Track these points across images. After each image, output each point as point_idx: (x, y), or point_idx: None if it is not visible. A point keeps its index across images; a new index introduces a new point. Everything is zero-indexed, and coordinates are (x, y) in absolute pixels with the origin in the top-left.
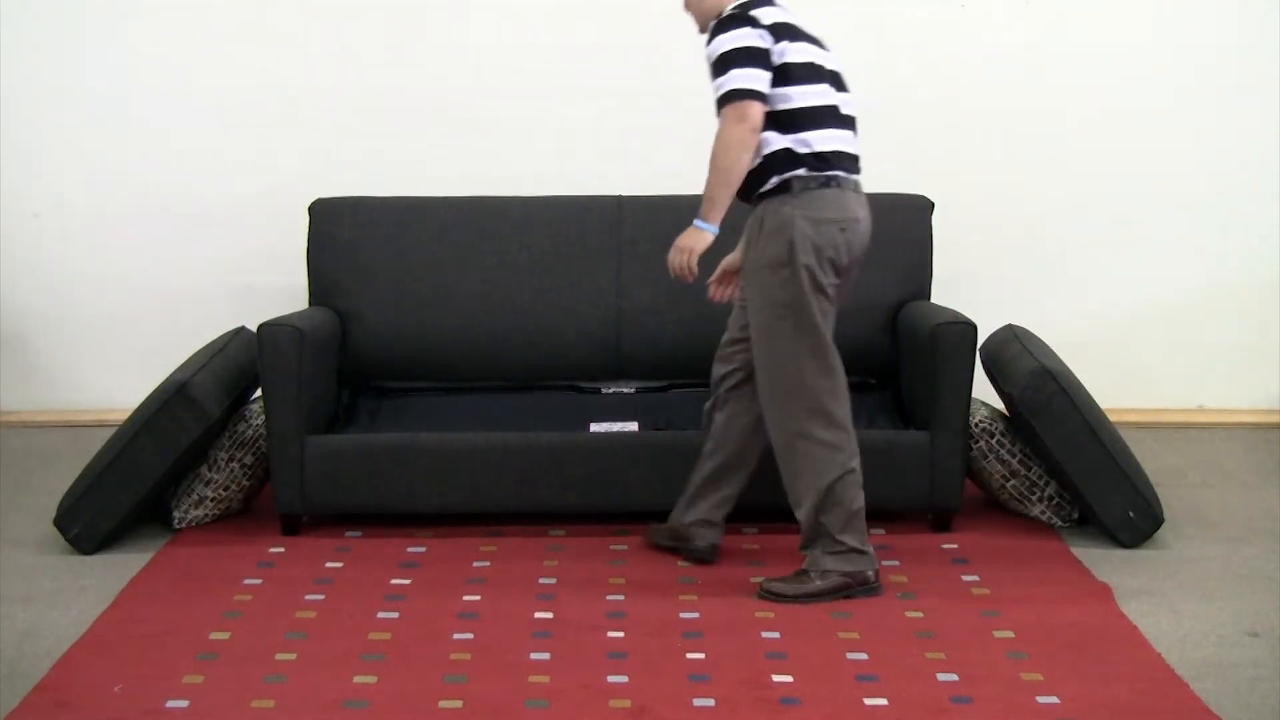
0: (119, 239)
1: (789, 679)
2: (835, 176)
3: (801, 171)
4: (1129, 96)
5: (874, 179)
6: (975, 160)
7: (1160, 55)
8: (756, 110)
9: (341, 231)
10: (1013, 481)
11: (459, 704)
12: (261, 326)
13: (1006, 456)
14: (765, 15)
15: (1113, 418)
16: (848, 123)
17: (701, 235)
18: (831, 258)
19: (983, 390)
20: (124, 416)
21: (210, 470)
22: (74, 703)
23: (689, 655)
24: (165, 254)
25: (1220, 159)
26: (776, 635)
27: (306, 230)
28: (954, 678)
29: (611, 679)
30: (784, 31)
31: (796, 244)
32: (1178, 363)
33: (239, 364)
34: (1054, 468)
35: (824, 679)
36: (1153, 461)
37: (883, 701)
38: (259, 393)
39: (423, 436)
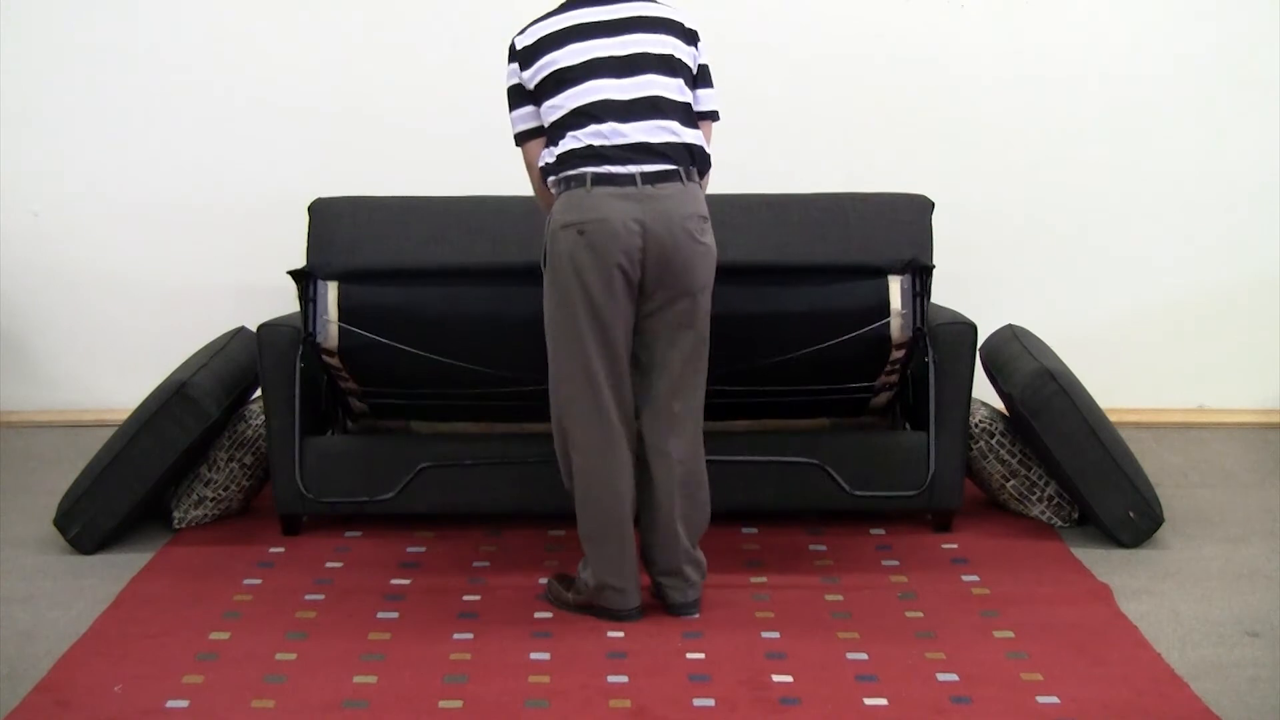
0: (119, 239)
1: (789, 679)
2: (575, 176)
3: (551, 179)
4: (1129, 96)
5: (874, 179)
6: (975, 160)
7: (1160, 55)
8: (529, 151)
9: (341, 231)
10: (1013, 481)
11: (459, 704)
12: (261, 326)
13: (1006, 456)
14: (521, 39)
15: (1113, 418)
16: (612, 111)
17: None
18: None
19: (983, 390)
20: (124, 416)
21: (210, 470)
22: (74, 703)
23: (689, 655)
24: (165, 254)
25: (1221, 159)
26: (776, 635)
27: (306, 230)
28: (954, 678)
29: (611, 679)
30: (533, 53)
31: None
32: (1178, 363)
33: (239, 364)
34: (1054, 468)
35: (824, 679)
36: (1153, 461)
37: (883, 701)
38: (259, 393)
39: (422, 437)
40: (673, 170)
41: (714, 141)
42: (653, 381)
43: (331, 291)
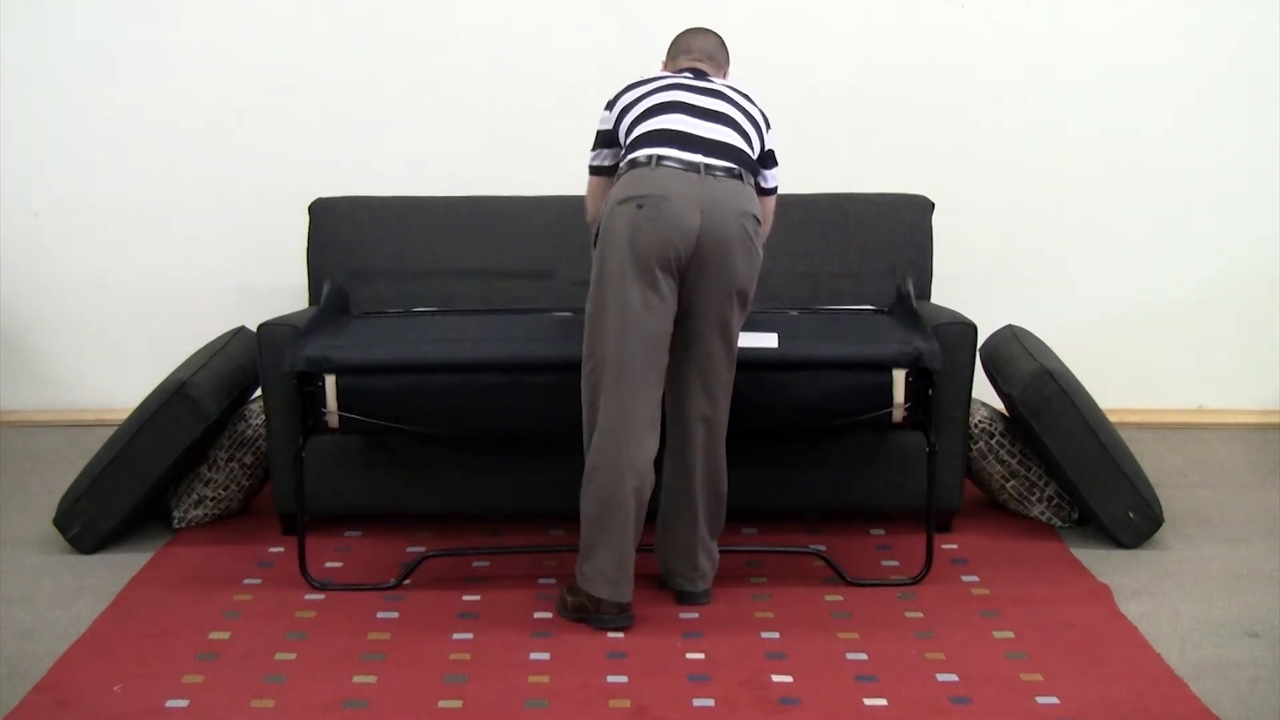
0: (119, 239)
1: (789, 679)
2: (642, 156)
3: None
4: (1129, 96)
5: (874, 179)
6: (975, 160)
7: (1160, 55)
8: (597, 185)
9: (341, 231)
10: (1012, 482)
11: (459, 704)
12: (261, 326)
13: (1006, 457)
14: (615, 91)
15: (1113, 418)
16: (683, 136)
17: None
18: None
19: (983, 390)
20: (124, 416)
21: (210, 470)
22: (74, 703)
23: (689, 655)
24: (165, 254)
25: (1221, 159)
26: (776, 635)
27: (306, 230)
28: (954, 678)
29: (611, 679)
30: (623, 97)
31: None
32: (1178, 363)
33: (239, 364)
34: (1054, 468)
35: (824, 679)
36: (1153, 461)
37: (882, 701)
38: (259, 393)
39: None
40: (734, 169)
41: None
42: (687, 366)
43: (330, 384)
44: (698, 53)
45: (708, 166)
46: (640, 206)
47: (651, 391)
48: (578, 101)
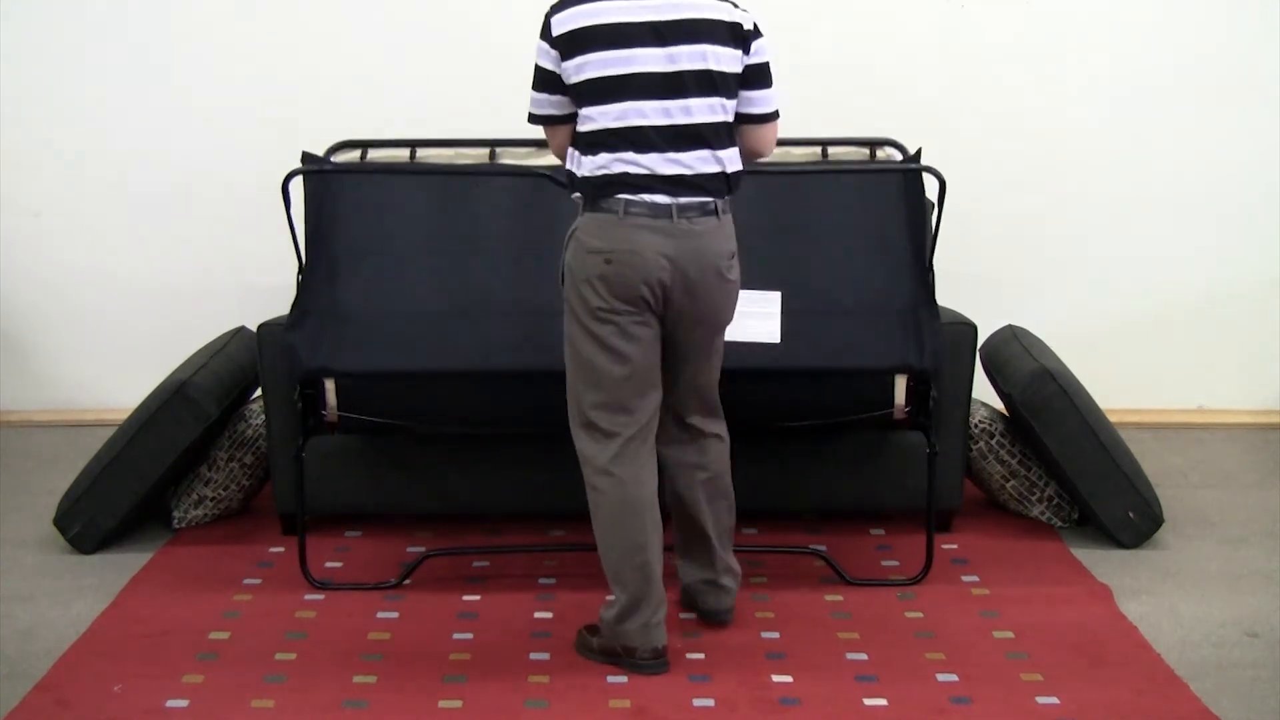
0: (119, 239)
1: (789, 679)
2: (608, 201)
3: (582, 176)
4: (1129, 96)
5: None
6: (975, 160)
7: (1160, 55)
8: (550, 134)
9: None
10: (1012, 482)
11: (459, 704)
12: (261, 326)
13: (1006, 457)
14: (559, 21)
15: (1113, 418)
16: (650, 141)
17: None
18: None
19: (983, 390)
20: (124, 416)
21: (210, 470)
22: (74, 702)
23: (689, 655)
24: (165, 254)
25: (1220, 159)
26: (776, 635)
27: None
28: (954, 678)
29: (611, 679)
30: (572, 45)
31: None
32: (1178, 363)
33: (239, 364)
34: (1053, 468)
35: (824, 679)
36: (1153, 461)
37: (883, 702)
38: (259, 393)
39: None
40: (708, 204)
41: None
42: (680, 389)
43: (329, 385)
44: None
45: (680, 209)
46: (609, 262)
47: (646, 435)
48: None
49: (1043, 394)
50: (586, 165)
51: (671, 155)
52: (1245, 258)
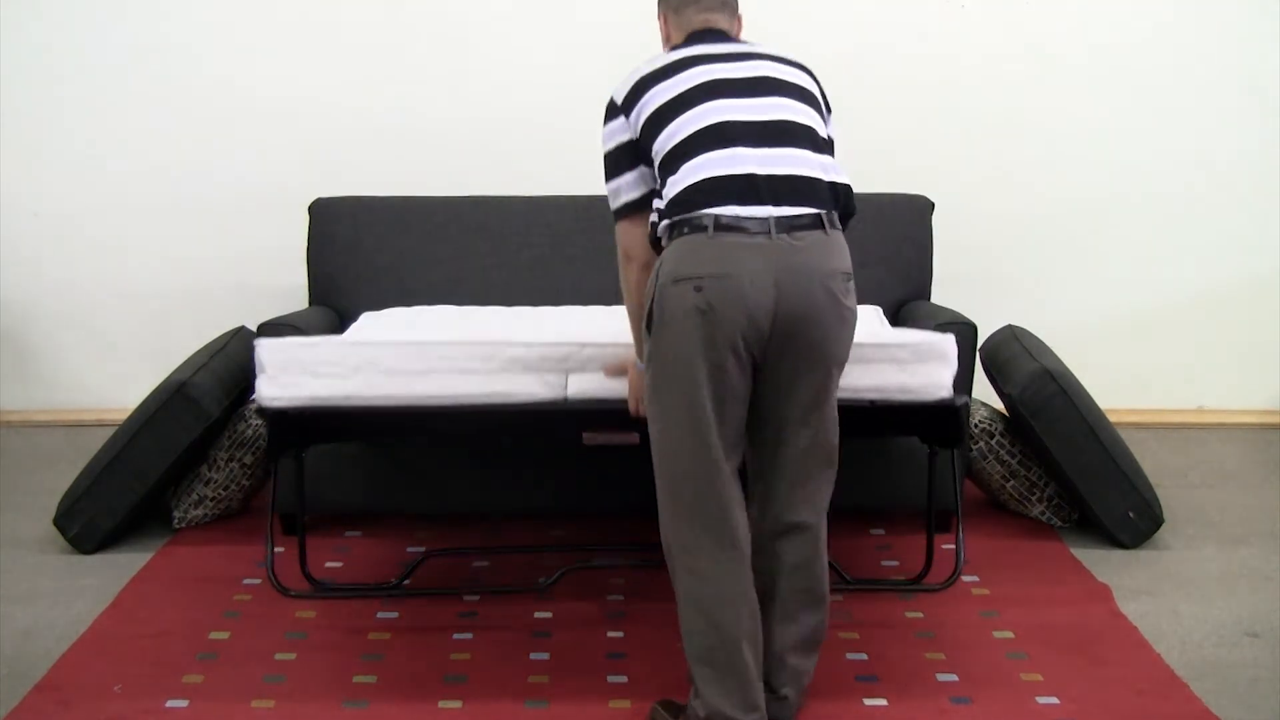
0: (119, 239)
1: None
2: (692, 220)
3: (663, 224)
4: (1128, 96)
5: (875, 179)
6: (975, 160)
7: (1160, 55)
8: (624, 232)
9: (341, 231)
10: (1013, 482)
11: (459, 704)
12: (261, 326)
13: (1006, 457)
14: (619, 91)
15: (1113, 418)
16: (736, 136)
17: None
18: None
19: (982, 390)
20: (124, 416)
21: (210, 470)
22: (74, 703)
23: None
24: (165, 254)
25: (1220, 159)
26: None
27: (306, 230)
28: (954, 678)
29: (611, 679)
30: (634, 96)
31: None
32: (1178, 363)
33: (239, 364)
34: (1054, 468)
35: (824, 679)
36: (1153, 461)
37: (883, 702)
38: None
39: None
40: (814, 215)
41: None
42: (778, 462)
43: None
44: (707, 1)
45: (780, 221)
46: (699, 289)
47: (743, 503)
48: (579, 101)
49: (1043, 394)
50: (665, 197)
51: (766, 151)
52: (1245, 258)
